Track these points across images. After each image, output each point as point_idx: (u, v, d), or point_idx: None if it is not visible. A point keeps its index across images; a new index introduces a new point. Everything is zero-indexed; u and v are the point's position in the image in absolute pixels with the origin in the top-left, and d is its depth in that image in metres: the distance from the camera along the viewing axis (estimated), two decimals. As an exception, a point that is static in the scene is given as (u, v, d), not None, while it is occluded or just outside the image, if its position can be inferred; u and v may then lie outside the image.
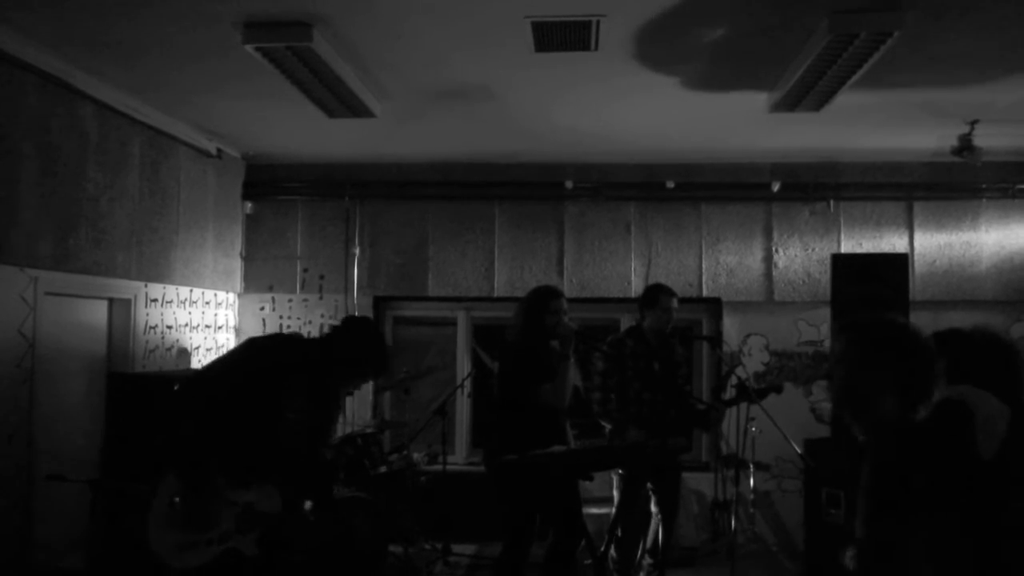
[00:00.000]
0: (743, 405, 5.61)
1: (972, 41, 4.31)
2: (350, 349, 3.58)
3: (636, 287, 7.11)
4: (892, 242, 7.09)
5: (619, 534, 5.06)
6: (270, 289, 7.37)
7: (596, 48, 4.38)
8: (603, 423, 5.22)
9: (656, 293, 5.32)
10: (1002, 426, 3.15)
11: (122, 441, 5.05)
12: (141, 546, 3.16)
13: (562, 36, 4.24)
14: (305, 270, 7.37)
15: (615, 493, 5.31)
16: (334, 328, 3.68)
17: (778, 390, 5.59)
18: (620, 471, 5.07)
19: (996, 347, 3.52)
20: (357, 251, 7.32)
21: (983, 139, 5.77)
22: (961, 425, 2.96)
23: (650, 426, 5.05)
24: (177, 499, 3.21)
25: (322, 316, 7.25)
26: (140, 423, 5.01)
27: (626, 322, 7.20)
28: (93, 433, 5.22)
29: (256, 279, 7.38)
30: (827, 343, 6.79)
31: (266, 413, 3.40)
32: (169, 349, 6.08)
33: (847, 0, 3.83)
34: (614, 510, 5.29)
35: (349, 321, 3.76)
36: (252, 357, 3.47)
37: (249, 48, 4.22)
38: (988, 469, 2.97)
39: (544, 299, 4.53)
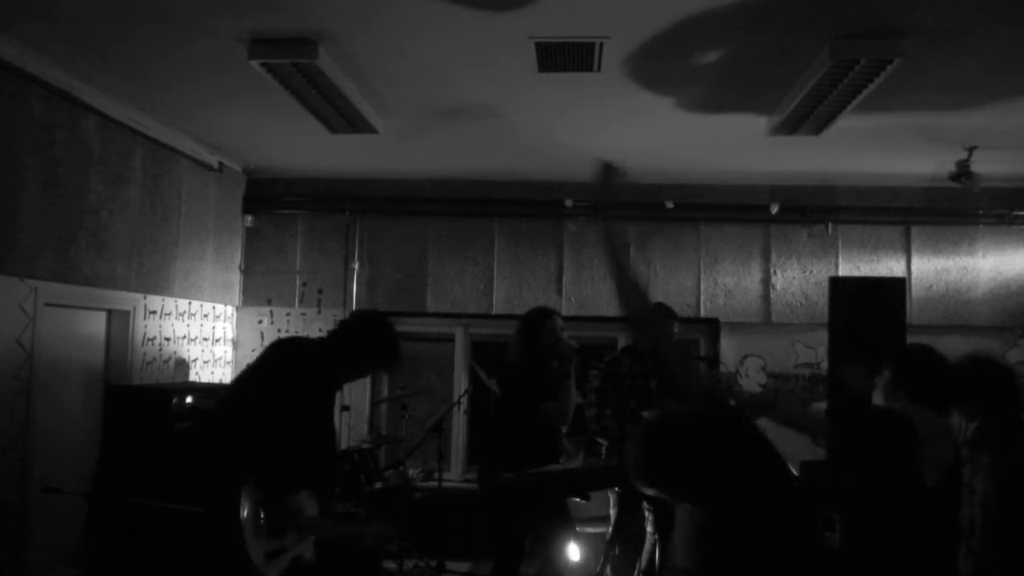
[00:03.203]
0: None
1: (971, 68, 4.35)
2: (368, 343, 3.57)
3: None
4: (890, 266, 7.12)
5: (615, 553, 5.05)
6: (269, 302, 7.37)
7: (599, 69, 4.42)
8: (600, 440, 5.22)
9: (655, 313, 5.32)
10: (949, 452, 3.18)
11: (118, 453, 5.04)
12: (238, 559, 3.13)
13: (566, 57, 4.27)
14: (304, 284, 7.38)
15: (611, 512, 5.30)
16: (344, 324, 3.65)
17: (773, 408, 5.58)
18: (617, 490, 5.07)
19: (994, 372, 3.57)
20: (356, 266, 7.34)
21: (981, 165, 5.81)
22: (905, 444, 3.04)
23: None
24: (262, 508, 3.21)
25: (320, 330, 7.24)
26: (136, 436, 5.01)
27: (623, 341, 7.20)
28: (89, 445, 5.20)
29: (255, 292, 7.39)
30: (824, 365, 6.80)
31: (315, 421, 3.45)
32: (167, 361, 6.07)
33: (848, 26, 3.87)
34: (610, 529, 5.28)
35: (360, 315, 3.74)
36: (294, 364, 3.44)
37: (254, 64, 4.24)
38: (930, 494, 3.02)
39: (539, 320, 4.58)
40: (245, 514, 3.14)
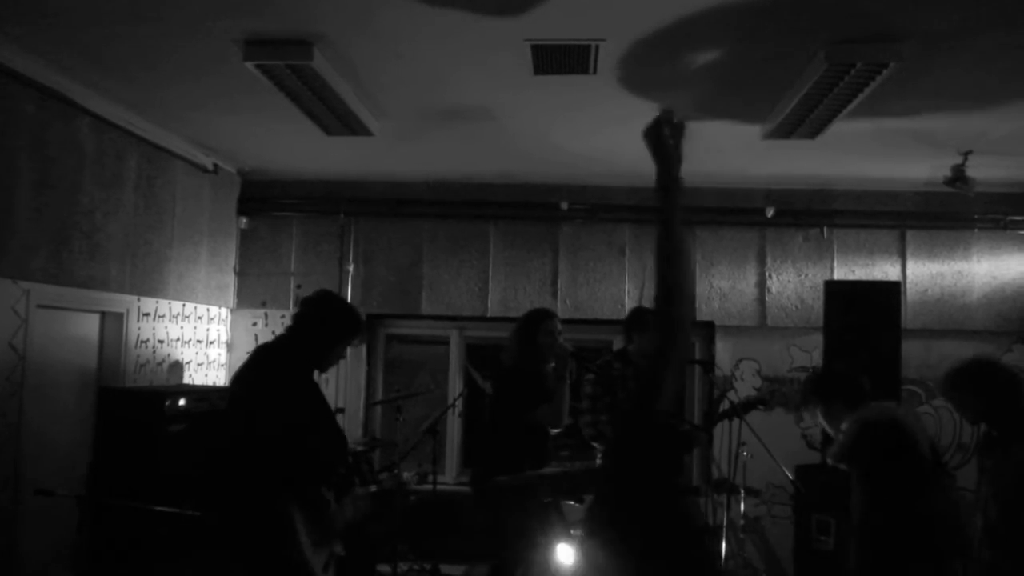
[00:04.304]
0: (735, 428, 5.61)
1: (966, 73, 4.36)
2: (325, 324, 3.59)
3: (630, 309, 7.11)
4: (885, 270, 7.12)
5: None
6: (263, 305, 7.35)
7: (595, 72, 4.41)
8: (595, 445, 5.21)
9: (646, 316, 5.32)
10: (925, 445, 3.21)
11: (111, 456, 5.02)
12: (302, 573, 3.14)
13: (561, 59, 4.27)
14: (298, 286, 7.35)
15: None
16: (297, 316, 3.66)
17: (763, 403, 5.59)
18: None
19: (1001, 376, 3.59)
20: (351, 268, 7.32)
21: (976, 170, 5.81)
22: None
23: None
24: (308, 523, 3.21)
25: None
26: (129, 438, 4.99)
27: (619, 344, 7.20)
28: (82, 448, 5.17)
29: (249, 294, 7.37)
30: (819, 369, 6.80)
31: (326, 418, 3.47)
32: (160, 364, 6.05)
33: (844, 30, 3.87)
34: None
35: (310, 301, 3.75)
36: (284, 372, 3.45)
37: (249, 65, 4.23)
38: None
39: (538, 320, 4.57)
40: (300, 530, 3.16)
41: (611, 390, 5.13)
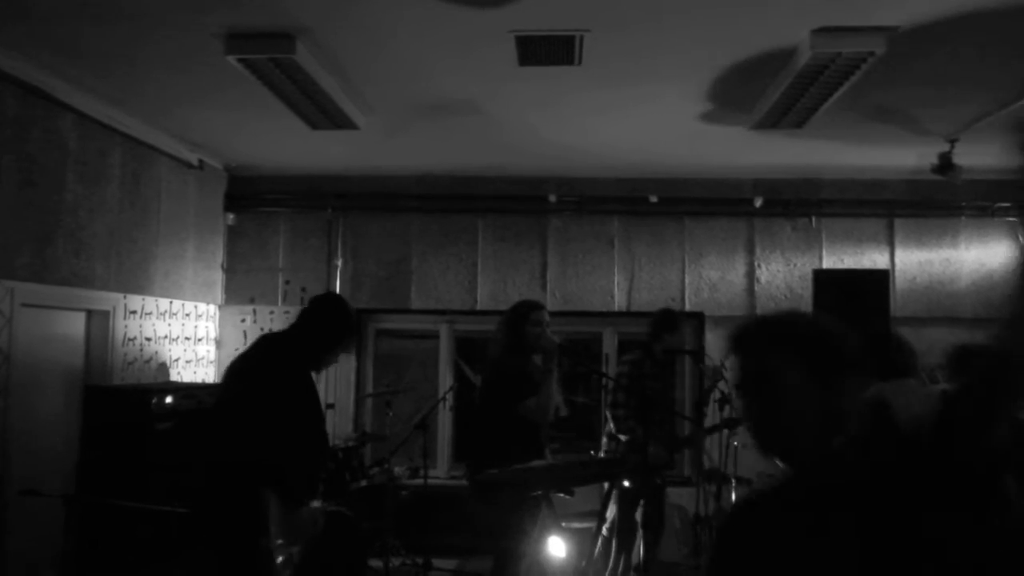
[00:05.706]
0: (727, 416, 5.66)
1: (952, 61, 4.35)
2: (331, 327, 3.59)
3: (619, 301, 7.11)
4: (873, 258, 7.13)
5: (609, 549, 5.11)
6: (251, 301, 7.32)
7: (579, 63, 4.39)
8: (621, 438, 5.24)
9: (676, 318, 5.48)
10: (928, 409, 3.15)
11: (98, 455, 4.98)
12: (266, 566, 3.11)
13: (546, 50, 4.25)
14: (287, 282, 7.32)
15: (611, 508, 5.30)
16: (305, 312, 3.66)
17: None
18: (626, 485, 5.12)
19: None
20: (339, 263, 7.29)
21: (963, 158, 5.82)
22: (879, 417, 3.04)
23: (665, 442, 5.22)
24: (280, 515, 3.20)
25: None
26: (116, 437, 4.96)
27: (608, 336, 7.22)
28: (68, 447, 5.14)
29: (237, 291, 7.33)
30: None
31: (315, 419, 3.48)
32: (148, 361, 6.01)
33: (829, 19, 3.85)
34: (605, 526, 5.28)
35: (319, 300, 3.75)
36: (284, 366, 3.44)
37: (232, 59, 4.20)
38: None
39: (525, 311, 4.54)
40: (273, 524, 3.14)
41: (641, 386, 5.16)
